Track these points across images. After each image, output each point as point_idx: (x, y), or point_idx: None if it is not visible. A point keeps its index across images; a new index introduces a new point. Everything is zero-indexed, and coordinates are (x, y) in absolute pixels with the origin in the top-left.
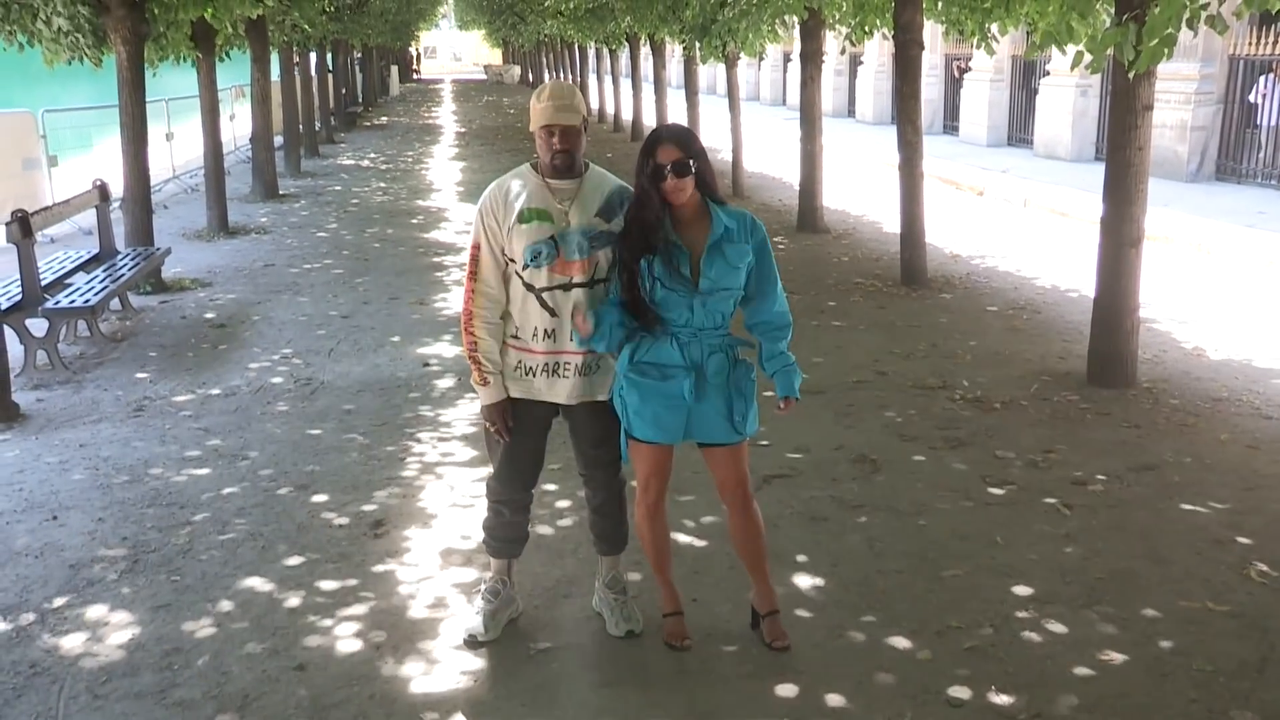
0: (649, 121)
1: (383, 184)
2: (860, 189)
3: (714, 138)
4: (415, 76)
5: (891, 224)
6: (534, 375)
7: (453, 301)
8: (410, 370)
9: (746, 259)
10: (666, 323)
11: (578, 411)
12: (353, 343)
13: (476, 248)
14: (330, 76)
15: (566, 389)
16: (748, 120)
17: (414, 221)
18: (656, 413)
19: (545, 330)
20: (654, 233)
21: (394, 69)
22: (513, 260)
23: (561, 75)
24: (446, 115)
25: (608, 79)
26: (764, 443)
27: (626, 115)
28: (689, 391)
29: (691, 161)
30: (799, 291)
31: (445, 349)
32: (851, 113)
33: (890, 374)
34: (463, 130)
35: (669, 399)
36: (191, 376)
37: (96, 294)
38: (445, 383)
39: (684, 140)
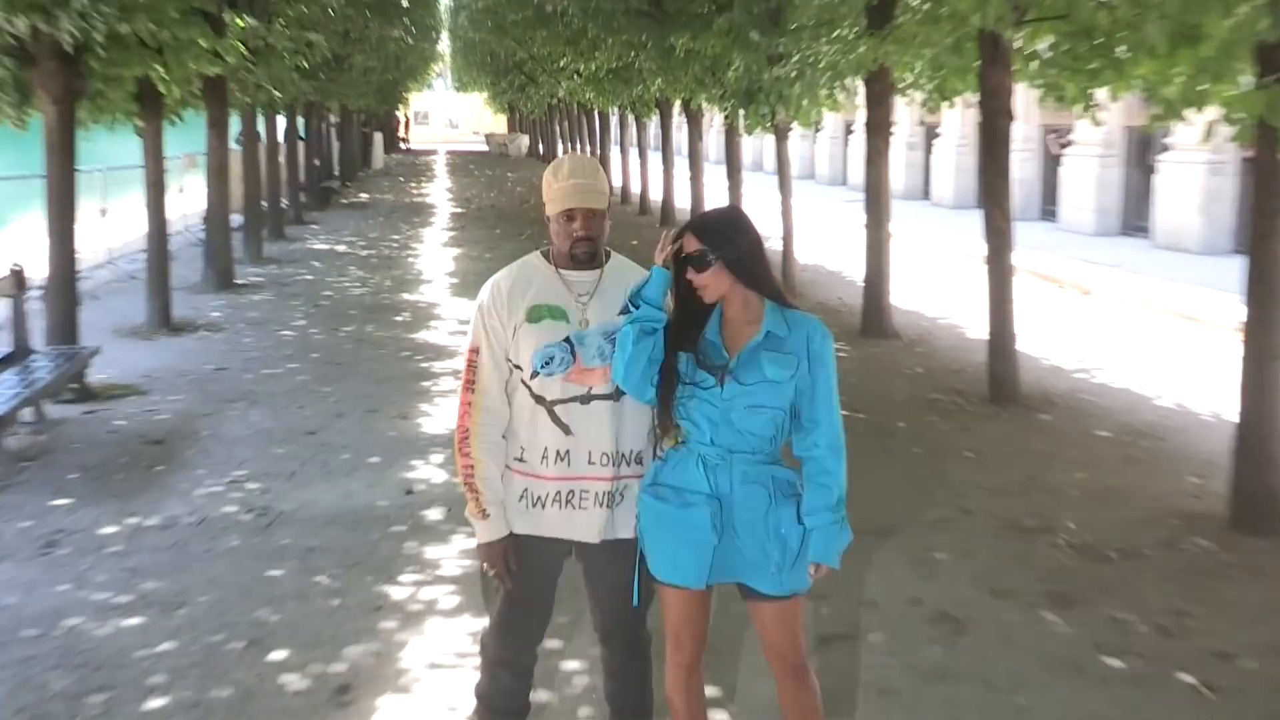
0: (681, 204)
1: (362, 273)
2: (937, 285)
3: (761, 223)
4: (404, 146)
5: (976, 328)
6: (544, 506)
7: (443, 416)
8: (390, 498)
9: (792, 373)
10: (690, 436)
11: (596, 552)
12: (320, 464)
13: (475, 352)
14: (301, 145)
15: (584, 524)
16: (801, 202)
17: (398, 319)
18: (675, 548)
19: (558, 452)
20: (690, 327)
21: (378, 137)
22: (519, 367)
23: (579, 147)
24: (440, 192)
25: (633, 151)
26: (821, 593)
27: (655, 194)
28: (710, 525)
29: (711, 255)
30: (863, 409)
31: (433, 473)
32: (926, 194)
33: (977, 512)
34: (459, 210)
35: (689, 532)
36: (119, 504)
37: (4, 402)
38: (433, 514)
39: (709, 229)
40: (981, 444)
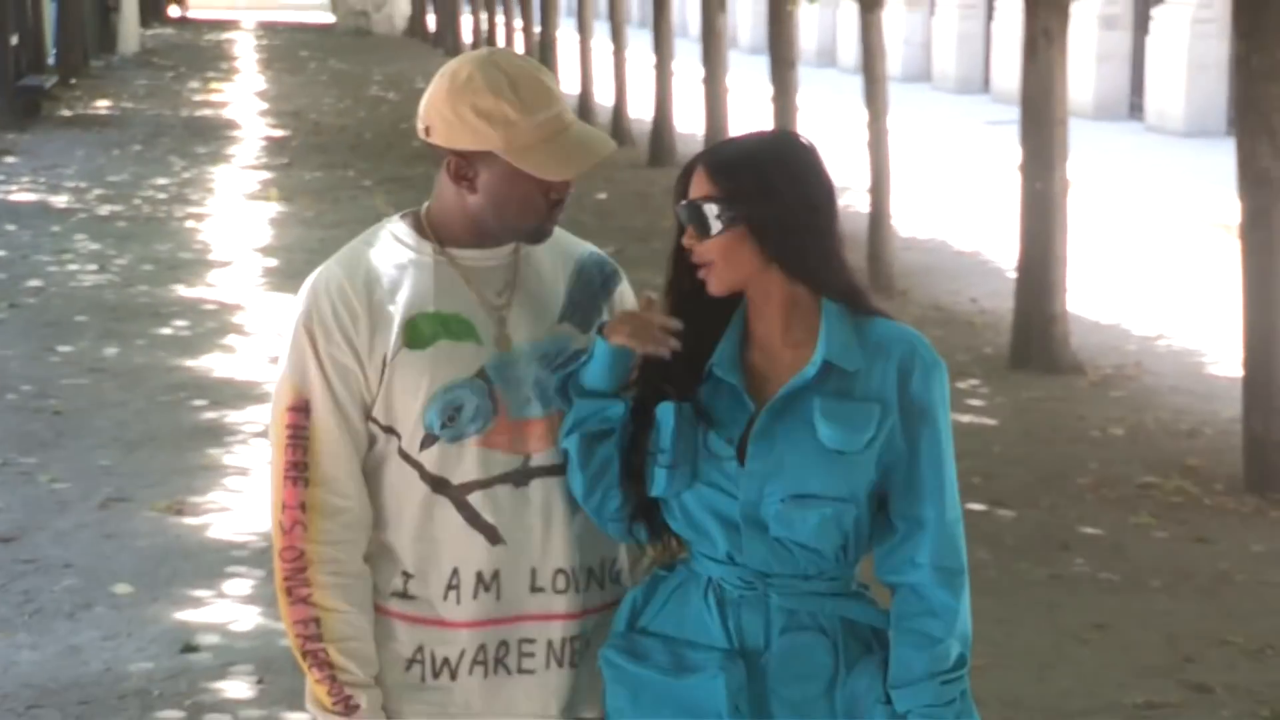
0: (688, 127)
1: (98, 247)
2: (1151, 277)
3: (831, 161)
4: (177, 14)
5: (1221, 356)
6: (453, 675)
7: (249, 506)
8: (153, 659)
9: (869, 435)
10: (693, 549)
11: None
12: (21, 598)
13: (298, 411)
14: None
15: (529, 700)
16: (906, 121)
17: (165, 332)
18: None
19: (480, 576)
20: (689, 354)
21: (129, 0)
22: (392, 430)
23: (506, 20)
24: (245, 99)
25: (599, 29)
26: None
27: (641, 110)
28: (729, 706)
29: (723, 208)
30: (1011, 502)
31: (233, 613)
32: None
33: (1220, 688)
34: (281, 134)
35: (690, 718)
36: None
37: None
38: (232, 689)
39: (730, 164)
40: (1230, 565)
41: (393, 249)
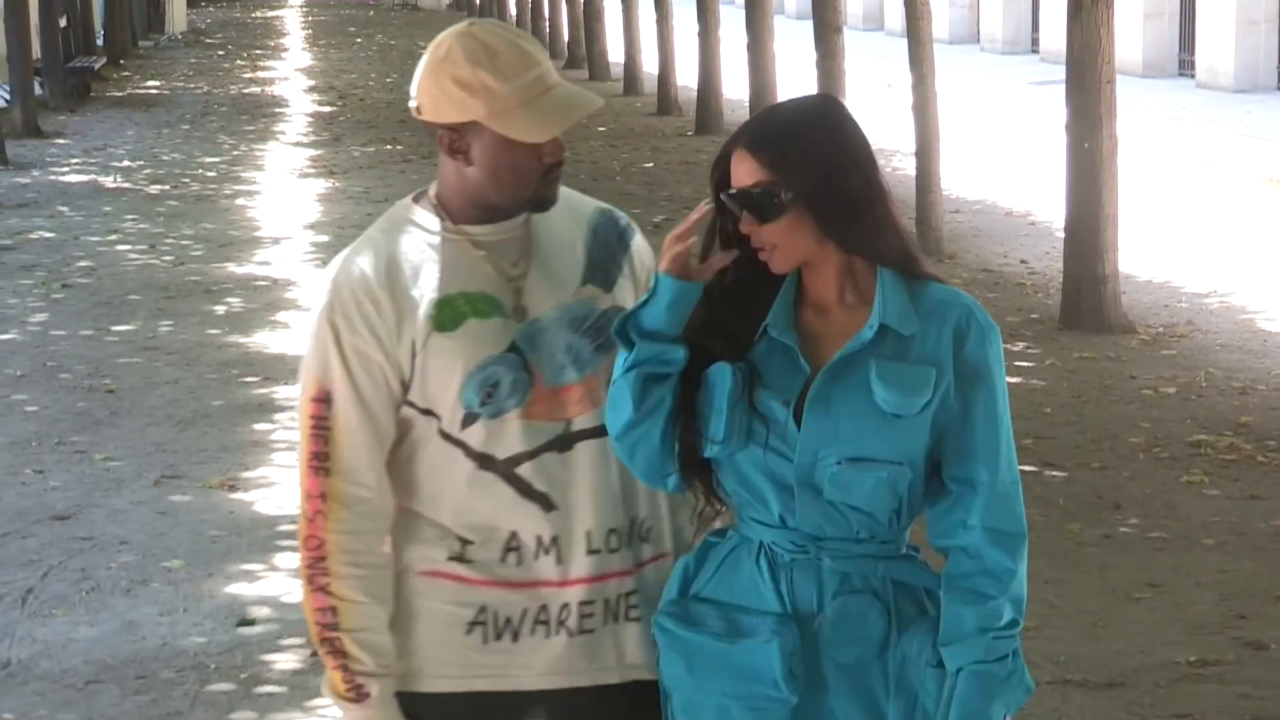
0: (732, 92)
1: (149, 226)
2: (1202, 233)
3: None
4: None
5: (1274, 310)
6: (515, 637)
7: (292, 483)
8: (208, 634)
9: (926, 399)
10: (743, 513)
11: (584, 706)
12: (79, 575)
13: (321, 402)
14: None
15: (579, 659)
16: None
17: (217, 310)
18: (722, 710)
19: (540, 539)
20: (738, 317)
21: None
22: (430, 413)
23: None
24: (292, 77)
25: None
26: None
27: (685, 77)
28: (783, 670)
29: (785, 190)
30: (1062, 463)
31: (287, 586)
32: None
33: (1275, 645)
34: (328, 110)
35: (746, 683)
36: None
37: None
38: (285, 660)
39: (780, 139)
40: None
41: (409, 233)
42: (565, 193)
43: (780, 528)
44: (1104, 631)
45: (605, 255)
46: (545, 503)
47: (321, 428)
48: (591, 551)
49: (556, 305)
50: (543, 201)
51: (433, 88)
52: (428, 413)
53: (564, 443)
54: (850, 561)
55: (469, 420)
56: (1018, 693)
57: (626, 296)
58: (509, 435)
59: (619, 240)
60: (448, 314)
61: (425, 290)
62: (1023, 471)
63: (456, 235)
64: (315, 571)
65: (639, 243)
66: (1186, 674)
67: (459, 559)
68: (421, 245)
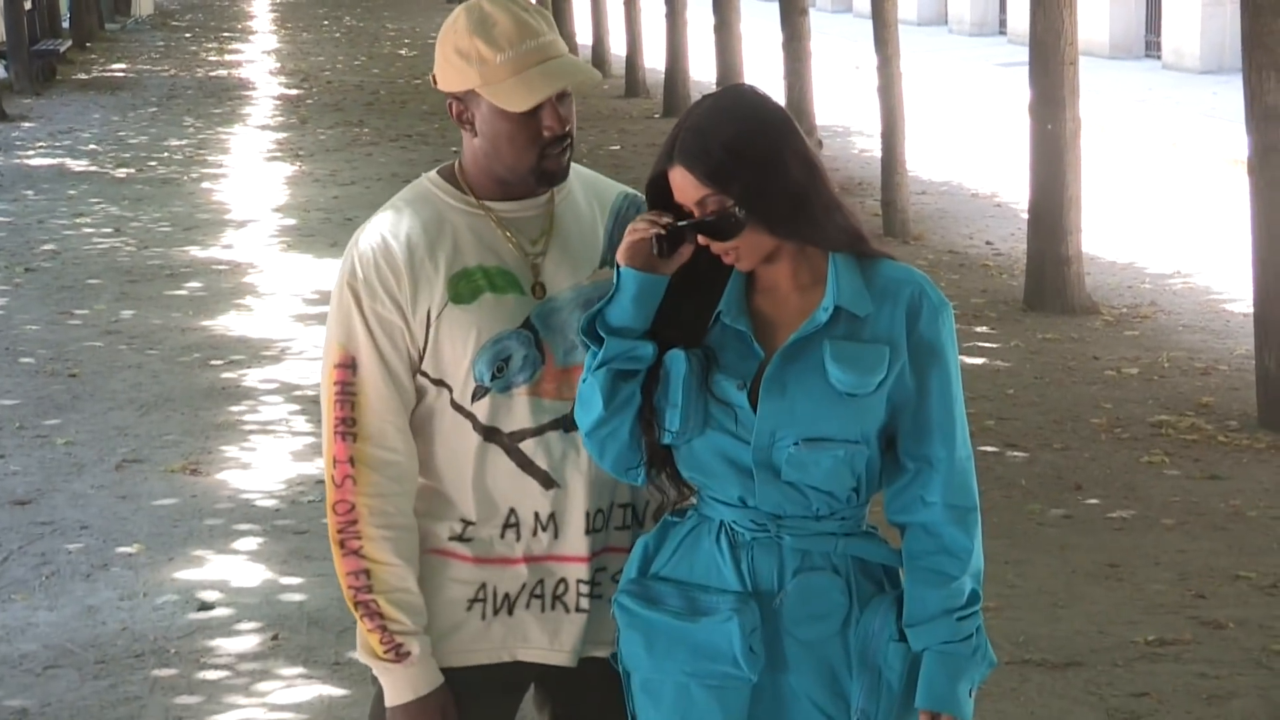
0: (702, 74)
1: (114, 209)
2: (1165, 213)
3: (838, 105)
4: None
5: (1236, 293)
6: (511, 610)
7: (264, 466)
8: (165, 619)
9: (880, 377)
10: (703, 493)
11: (568, 684)
12: (38, 559)
13: (346, 368)
14: None
15: (574, 636)
16: (919, 65)
17: (180, 293)
18: (680, 688)
19: (538, 516)
20: (693, 302)
21: None
22: (443, 383)
23: None
24: (259, 59)
25: None
26: None
27: (653, 59)
28: (742, 648)
29: (729, 212)
30: (1023, 443)
31: (246, 571)
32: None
33: (1232, 624)
34: (295, 93)
35: (705, 661)
36: None
37: None
38: (240, 643)
39: (709, 153)
40: (1243, 500)
41: (432, 204)
42: (592, 176)
43: (740, 507)
44: (1063, 611)
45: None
46: (545, 480)
47: (347, 393)
48: (590, 531)
49: (573, 286)
50: (546, 175)
51: (440, 56)
52: (439, 383)
53: (569, 422)
54: (810, 539)
55: (479, 393)
56: (981, 668)
57: None
58: (516, 410)
59: None
60: (465, 286)
61: (443, 262)
62: (984, 452)
63: (479, 210)
64: (347, 535)
65: None
66: (1145, 653)
67: (459, 538)
68: (443, 217)
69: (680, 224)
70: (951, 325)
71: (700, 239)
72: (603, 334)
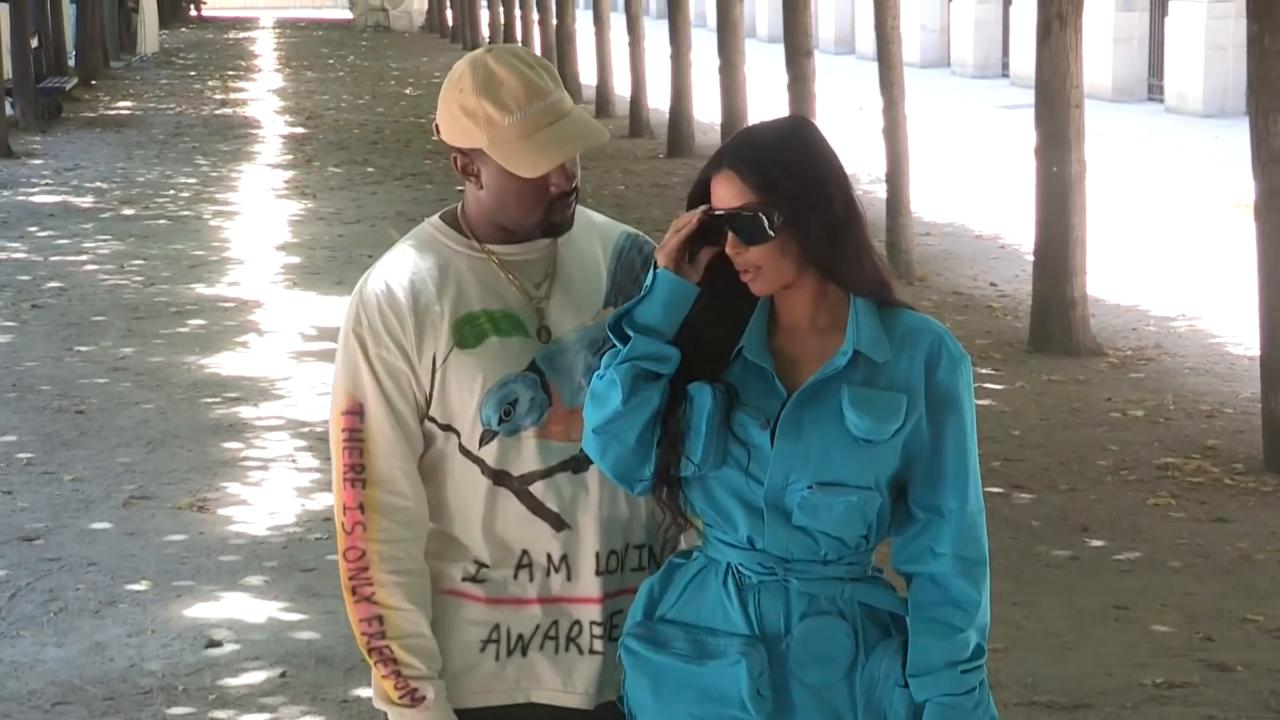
0: (705, 116)
1: (121, 247)
2: (1173, 258)
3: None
4: (196, 14)
5: (1243, 336)
6: (524, 652)
7: (271, 504)
8: (175, 655)
9: (897, 425)
10: (711, 533)
11: None
12: (46, 596)
13: (353, 415)
14: (4, 12)
15: (589, 678)
16: (923, 107)
17: (185, 330)
18: None
19: (550, 557)
20: (715, 338)
21: (149, 1)
22: (451, 428)
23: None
24: (265, 98)
25: (617, 21)
26: None
27: (658, 100)
28: (750, 691)
29: (773, 215)
30: (1029, 485)
31: (254, 608)
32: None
33: (1240, 667)
34: (300, 131)
35: (711, 705)
36: None
37: None
38: (248, 680)
39: (765, 162)
40: (1250, 543)
41: (436, 249)
42: (595, 217)
43: (747, 549)
44: (1071, 653)
45: (628, 279)
46: (556, 522)
47: (355, 440)
48: (601, 572)
49: (578, 327)
50: (552, 228)
51: (444, 112)
52: (448, 428)
53: (579, 464)
54: (818, 583)
55: (486, 438)
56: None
57: None
58: (524, 453)
59: (643, 265)
60: (470, 331)
61: (448, 306)
62: (991, 494)
63: (482, 254)
64: (359, 582)
65: None
66: (1153, 695)
67: (473, 579)
68: (447, 262)
69: (717, 212)
70: (970, 378)
71: (729, 242)
72: (631, 332)
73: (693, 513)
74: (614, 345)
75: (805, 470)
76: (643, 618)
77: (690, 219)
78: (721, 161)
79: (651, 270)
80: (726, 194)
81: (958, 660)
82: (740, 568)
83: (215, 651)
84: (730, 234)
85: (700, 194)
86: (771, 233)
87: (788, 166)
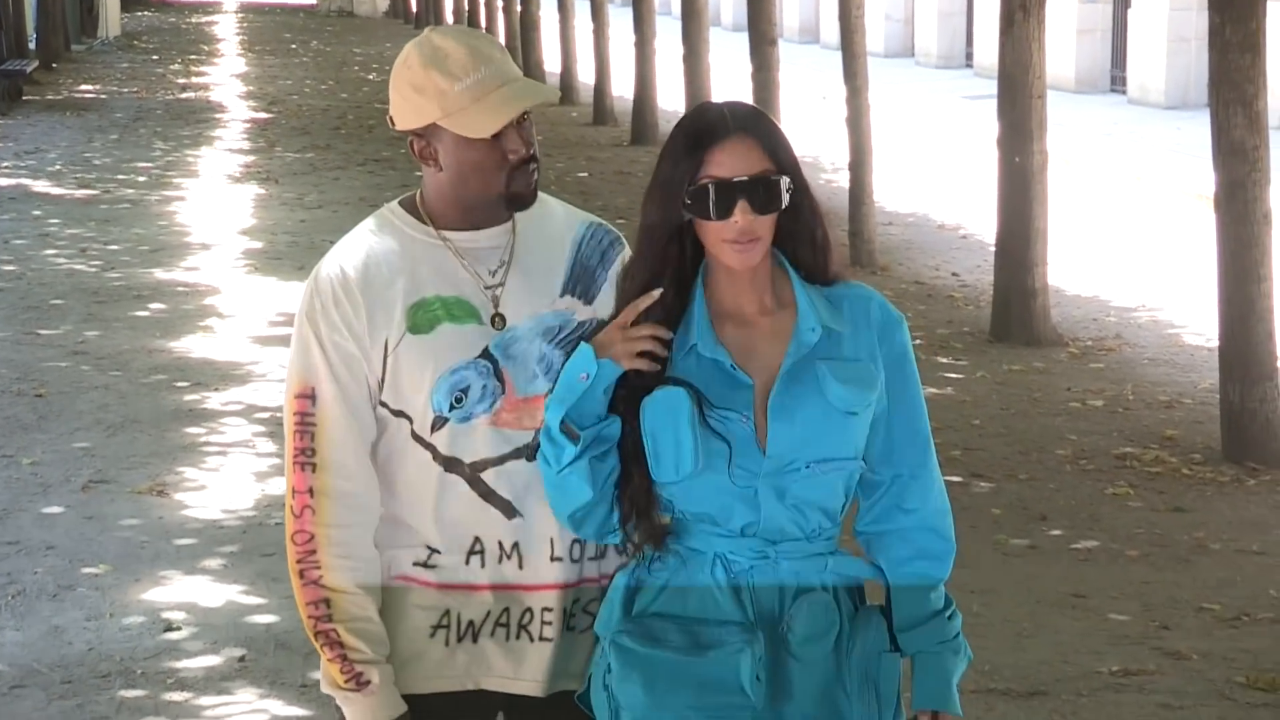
0: (670, 103)
1: (80, 231)
2: (1138, 247)
3: (807, 138)
4: None
5: (1202, 326)
6: (475, 638)
7: (228, 488)
8: (132, 639)
9: (875, 391)
10: (689, 527)
11: (546, 711)
12: (4, 580)
13: (306, 398)
14: None
15: (535, 665)
16: (887, 98)
17: (144, 314)
18: None
19: (501, 545)
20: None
21: None
22: (403, 414)
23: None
24: (227, 82)
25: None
26: None
27: (622, 87)
28: (750, 680)
29: (785, 179)
30: (990, 473)
31: (211, 592)
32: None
33: (1196, 655)
34: (263, 115)
35: (708, 695)
36: None
37: None
38: (207, 664)
39: (772, 134)
40: (1207, 532)
41: (392, 235)
42: (556, 205)
43: (738, 537)
44: (1028, 641)
45: (588, 268)
46: (507, 509)
47: (306, 423)
48: (555, 559)
49: (532, 315)
50: (516, 199)
51: (396, 96)
52: (400, 414)
53: (531, 452)
54: (804, 561)
55: (438, 424)
56: (964, 664)
57: (607, 310)
58: (477, 440)
59: (601, 256)
60: (422, 317)
61: (401, 292)
62: (950, 482)
63: (437, 240)
64: (306, 565)
65: (623, 257)
66: (1109, 683)
67: (424, 565)
68: (402, 248)
69: (737, 179)
70: (909, 337)
71: (740, 206)
72: (580, 431)
73: (674, 517)
74: (563, 445)
75: (803, 449)
76: (624, 614)
77: (646, 300)
78: (729, 129)
79: (587, 358)
80: (739, 161)
81: (940, 609)
82: (729, 555)
83: (173, 635)
84: (742, 201)
85: (692, 147)
86: (782, 199)
87: (786, 144)
